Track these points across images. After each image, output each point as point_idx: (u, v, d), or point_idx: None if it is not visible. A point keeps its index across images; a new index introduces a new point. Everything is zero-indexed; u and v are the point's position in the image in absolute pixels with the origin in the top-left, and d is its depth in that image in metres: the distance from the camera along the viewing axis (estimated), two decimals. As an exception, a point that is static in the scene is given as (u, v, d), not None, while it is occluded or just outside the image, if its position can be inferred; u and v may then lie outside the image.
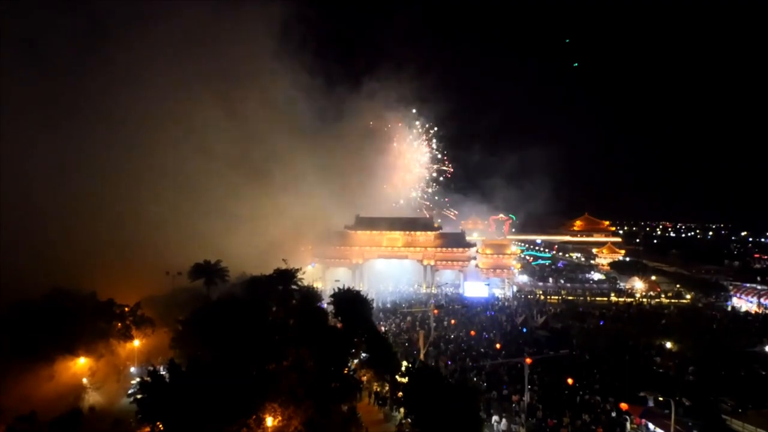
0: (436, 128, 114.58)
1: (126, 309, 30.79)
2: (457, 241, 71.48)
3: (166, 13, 63.68)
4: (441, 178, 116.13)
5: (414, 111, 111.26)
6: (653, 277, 73.31)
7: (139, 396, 18.76)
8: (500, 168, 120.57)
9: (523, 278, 76.16)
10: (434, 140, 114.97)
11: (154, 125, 59.25)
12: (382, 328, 41.87)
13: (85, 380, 26.71)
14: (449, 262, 69.88)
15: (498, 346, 38.75)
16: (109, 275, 37.28)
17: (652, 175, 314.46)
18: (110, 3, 61.72)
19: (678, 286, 69.72)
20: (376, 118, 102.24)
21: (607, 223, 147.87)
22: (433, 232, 70.29)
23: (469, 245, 71.65)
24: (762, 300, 60.51)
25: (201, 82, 67.18)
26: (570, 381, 30.02)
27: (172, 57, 63.01)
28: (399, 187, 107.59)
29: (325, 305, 34.65)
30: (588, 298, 63.87)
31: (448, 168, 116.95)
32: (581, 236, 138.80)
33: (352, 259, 69.27)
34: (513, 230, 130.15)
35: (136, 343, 30.29)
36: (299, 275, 38.32)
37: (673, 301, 62.99)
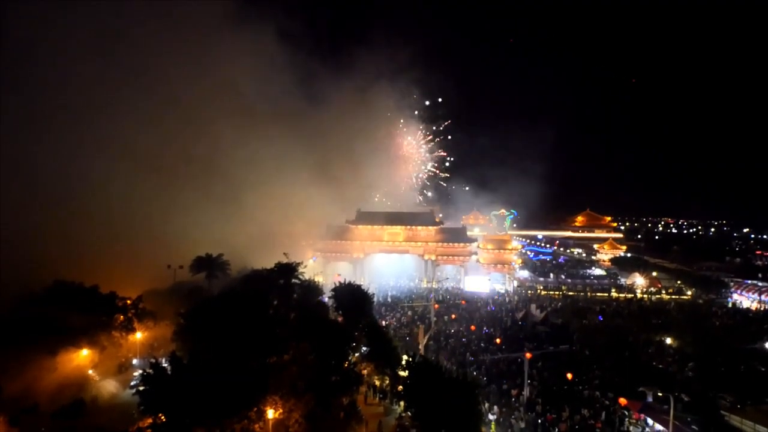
0: (441, 125, 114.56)
1: (128, 302, 30.98)
2: (458, 236, 71.47)
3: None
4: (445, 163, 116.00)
5: (417, 106, 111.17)
6: (654, 273, 73.16)
7: (141, 388, 18.86)
8: (502, 163, 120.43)
9: (524, 273, 76.20)
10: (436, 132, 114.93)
11: (152, 118, 58.94)
12: (383, 323, 41.97)
13: (90, 371, 26.95)
14: (450, 257, 69.88)
15: (498, 340, 38.85)
16: (111, 269, 37.40)
17: (654, 172, 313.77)
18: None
19: (679, 282, 69.53)
20: (378, 107, 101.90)
21: (608, 218, 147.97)
22: (434, 227, 70.25)
23: (470, 240, 71.64)
24: (763, 297, 60.46)
25: (199, 70, 66.71)
26: (569, 376, 30.09)
27: (171, 39, 61.93)
28: (400, 181, 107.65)
29: (326, 299, 34.83)
30: (589, 294, 63.75)
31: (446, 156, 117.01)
32: (582, 232, 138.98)
33: (353, 254, 69.33)
34: (514, 225, 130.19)
35: (138, 335, 30.52)
36: (300, 269, 38.42)
37: (673, 297, 62.90)
